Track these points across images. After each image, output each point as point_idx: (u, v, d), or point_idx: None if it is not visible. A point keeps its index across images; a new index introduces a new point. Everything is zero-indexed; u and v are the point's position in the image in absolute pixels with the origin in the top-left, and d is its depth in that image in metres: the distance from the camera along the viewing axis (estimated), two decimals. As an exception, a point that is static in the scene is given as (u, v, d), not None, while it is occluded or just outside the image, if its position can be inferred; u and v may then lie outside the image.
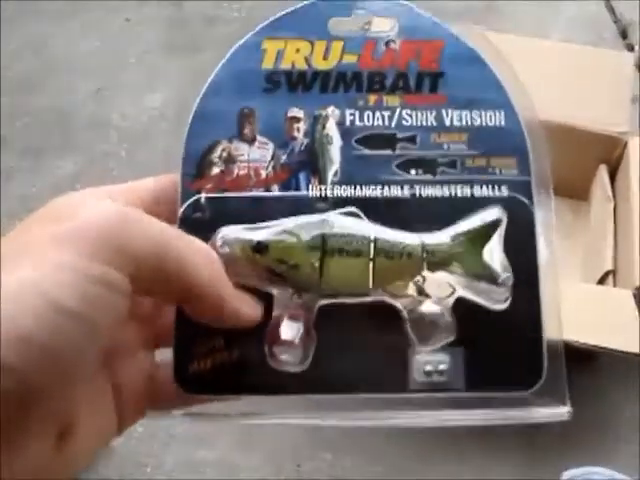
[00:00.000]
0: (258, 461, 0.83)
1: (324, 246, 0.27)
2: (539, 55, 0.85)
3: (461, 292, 0.27)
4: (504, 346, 0.27)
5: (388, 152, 0.29)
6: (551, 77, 0.84)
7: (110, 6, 1.25)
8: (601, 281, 0.80)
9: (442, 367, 0.26)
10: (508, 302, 0.27)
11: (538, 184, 0.28)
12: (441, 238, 0.27)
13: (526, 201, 0.28)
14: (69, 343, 0.20)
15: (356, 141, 0.29)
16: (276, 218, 0.28)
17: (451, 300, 0.27)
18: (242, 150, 0.29)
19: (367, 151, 0.29)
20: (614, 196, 0.84)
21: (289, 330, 0.26)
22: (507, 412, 0.26)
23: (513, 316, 0.27)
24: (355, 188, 0.28)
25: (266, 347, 0.27)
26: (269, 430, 0.84)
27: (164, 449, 0.84)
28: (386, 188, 0.28)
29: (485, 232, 0.27)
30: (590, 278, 0.83)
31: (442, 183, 0.28)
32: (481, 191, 0.28)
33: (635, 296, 0.70)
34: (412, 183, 0.28)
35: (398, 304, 0.27)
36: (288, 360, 0.26)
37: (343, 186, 0.28)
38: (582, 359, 0.83)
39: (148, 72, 1.18)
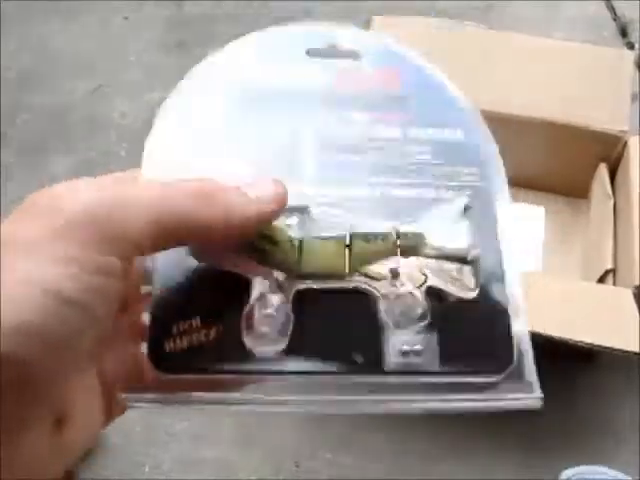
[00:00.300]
0: (257, 460, 0.83)
1: (303, 226, 0.28)
2: (539, 53, 0.85)
3: (433, 280, 0.28)
4: (474, 332, 0.27)
5: (358, 159, 0.30)
6: (551, 75, 0.84)
7: (109, 5, 1.25)
8: (601, 280, 0.80)
9: (418, 347, 0.27)
10: (477, 290, 0.28)
11: (497, 189, 0.30)
12: (413, 225, 0.29)
13: (489, 199, 0.30)
14: (69, 331, 0.20)
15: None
16: None
17: (424, 286, 0.28)
18: None
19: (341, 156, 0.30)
20: (614, 195, 0.84)
21: (266, 315, 0.27)
22: (478, 398, 0.26)
23: (481, 304, 0.28)
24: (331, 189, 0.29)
25: (243, 330, 0.26)
26: (268, 428, 0.84)
27: (162, 448, 0.84)
28: (358, 188, 0.30)
29: (454, 214, 0.29)
30: (590, 276, 0.83)
31: (410, 186, 0.30)
32: (446, 193, 0.30)
33: (635, 295, 0.70)
34: (383, 185, 0.30)
35: (373, 288, 0.28)
36: (264, 344, 0.26)
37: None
38: (581, 358, 0.83)
39: (147, 71, 1.18)
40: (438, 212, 0.29)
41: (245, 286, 0.27)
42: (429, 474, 0.81)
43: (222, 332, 0.26)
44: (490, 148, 0.31)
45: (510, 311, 0.27)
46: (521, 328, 0.27)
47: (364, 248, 0.28)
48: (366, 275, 0.28)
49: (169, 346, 0.26)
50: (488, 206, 0.30)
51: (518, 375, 0.27)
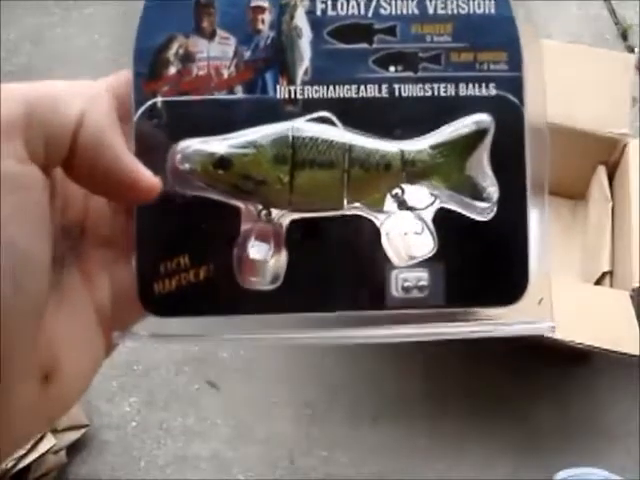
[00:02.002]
0: (252, 457, 0.83)
1: (293, 158, 0.24)
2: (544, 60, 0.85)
3: (442, 203, 0.25)
4: (487, 259, 0.25)
5: (364, 46, 0.25)
6: (551, 77, 0.84)
7: (110, -1, 1.25)
8: (598, 282, 0.80)
9: (422, 283, 0.25)
10: (492, 214, 0.25)
11: (529, 79, 0.26)
12: (421, 146, 0.25)
13: (516, 101, 0.25)
14: (8, 278, 0.19)
15: (328, 33, 0.26)
16: (241, 124, 0.25)
17: (431, 211, 0.25)
18: (201, 46, 0.26)
19: (341, 45, 0.25)
20: (612, 197, 0.84)
21: (258, 249, 0.25)
22: (488, 326, 0.25)
23: (497, 228, 0.25)
24: (328, 88, 0.25)
25: (235, 265, 0.25)
26: (264, 425, 0.84)
27: (158, 444, 0.84)
28: (362, 88, 0.25)
29: (470, 142, 0.25)
30: (587, 278, 0.84)
31: (424, 81, 0.25)
32: (467, 90, 0.25)
33: (632, 297, 0.71)
34: (391, 81, 0.25)
35: (374, 218, 0.25)
36: (258, 280, 0.25)
37: (315, 86, 0.25)
38: (578, 360, 0.83)
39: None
40: (446, 130, 0.25)
41: (234, 215, 0.25)
42: (425, 473, 0.81)
43: (213, 270, 0.25)
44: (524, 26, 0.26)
45: (529, 236, 0.25)
46: (540, 251, 0.25)
47: (364, 178, 0.25)
48: (367, 205, 0.25)
49: (158, 287, 0.25)
50: (513, 112, 0.25)
51: (532, 303, 0.25)
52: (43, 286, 0.21)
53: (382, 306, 0.25)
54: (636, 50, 1.11)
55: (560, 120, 0.81)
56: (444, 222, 0.25)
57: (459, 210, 0.25)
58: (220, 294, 0.25)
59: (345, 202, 0.25)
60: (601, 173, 0.86)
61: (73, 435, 0.80)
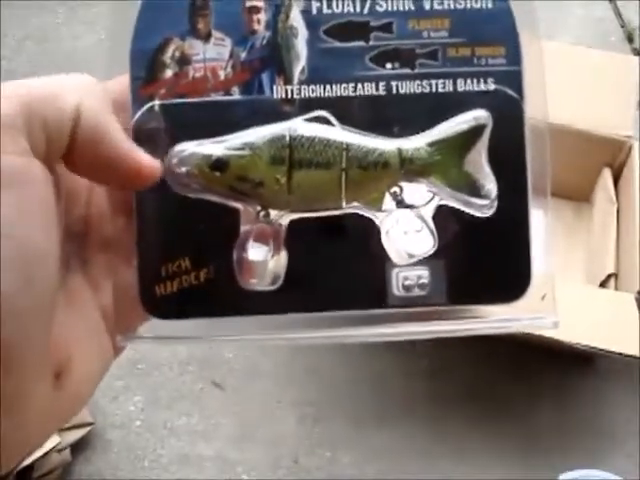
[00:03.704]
0: (255, 456, 0.83)
1: (291, 158, 0.24)
2: (545, 57, 0.85)
3: (442, 200, 0.25)
4: (488, 256, 0.25)
5: (360, 44, 0.25)
6: (557, 79, 0.84)
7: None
8: (603, 284, 0.80)
9: (423, 281, 0.25)
10: (492, 210, 0.25)
11: (529, 73, 0.26)
12: (419, 144, 0.25)
13: (515, 96, 0.25)
14: (17, 278, 0.19)
15: (324, 32, 0.26)
16: (239, 125, 0.25)
17: (431, 208, 0.25)
18: (196, 48, 0.26)
19: (337, 43, 0.25)
20: (617, 200, 0.84)
21: (257, 251, 0.25)
22: (491, 323, 0.25)
23: (498, 225, 0.25)
24: (325, 87, 0.25)
25: (235, 267, 0.25)
26: (267, 425, 0.84)
27: (161, 443, 0.84)
28: (359, 86, 0.25)
29: (468, 138, 0.25)
30: (592, 281, 0.83)
31: (421, 77, 0.25)
32: (465, 85, 0.25)
33: (637, 299, 0.70)
34: (388, 79, 0.25)
35: (374, 216, 0.25)
36: (258, 282, 0.25)
37: (311, 85, 0.25)
38: (581, 362, 0.83)
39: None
40: (448, 129, 0.25)
41: (233, 217, 0.25)
42: (428, 473, 0.81)
43: (213, 272, 0.25)
44: (523, 18, 0.26)
45: (530, 230, 0.25)
46: (542, 246, 0.25)
47: (362, 177, 0.25)
48: (365, 204, 0.25)
49: (159, 290, 0.25)
50: (512, 107, 0.25)
51: (535, 297, 0.24)
52: (54, 282, 0.21)
53: (383, 305, 0.25)
54: (642, 52, 1.11)
55: (565, 122, 0.81)
56: (444, 219, 0.25)
57: (459, 207, 0.25)
58: (221, 296, 0.25)
59: (344, 202, 0.25)
60: (606, 175, 0.86)
61: (77, 434, 0.80)
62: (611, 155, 0.85)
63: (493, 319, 0.25)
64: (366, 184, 0.25)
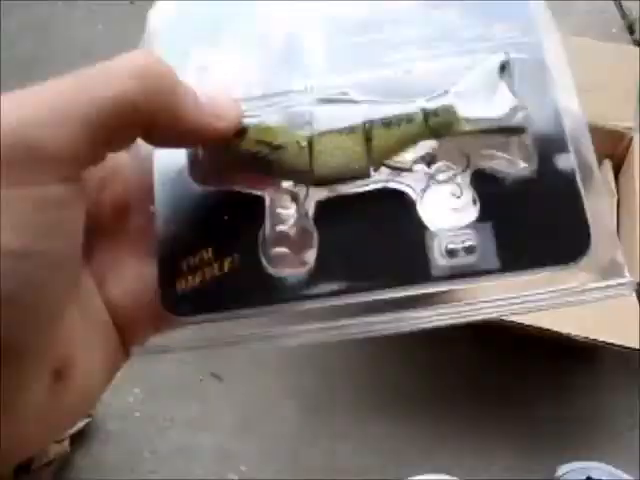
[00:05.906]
0: (255, 447, 0.83)
1: (311, 126, 0.24)
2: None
3: (478, 161, 0.23)
4: (538, 216, 0.23)
5: (376, 36, 0.26)
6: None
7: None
8: (603, 276, 0.80)
9: (469, 243, 0.22)
10: (535, 164, 0.23)
11: (546, 42, 0.25)
12: (442, 100, 0.24)
13: (540, 56, 0.25)
14: (36, 287, 0.19)
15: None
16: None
17: (468, 172, 0.23)
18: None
19: (355, 38, 0.26)
20: (617, 191, 0.84)
21: (284, 235, 0.23)
22: (556, 293, 0.22)
23: (543, 180, 0.23)
24: (343, 76, 0.25)
25: (261, 255, 0.23)
26: (267, 416, 0.84)
27: (161, 434, 0.84)
28: (377, 70, 0.25)
29: (490, 76, 0.24)
30: (592, 272, 0.83)
31: (439, 57, 0.25)
32: (482, 57, 0.24)
33: (637, 291, 0.70)
34: (406, 62, 0.25)
35: (406, 185, 0.23)
36: (287, 267, 0.23)
37: (331, 75, 0.25)
38: (581, 356, 0.83)
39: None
40: (469, 78, 0.24)
41: (257, 204, 0.24)
42: (426, 465, 0.81)
43: (238, 261, 0.23)
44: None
45: (580, 182, 0.22)
46: (597, 200, 0.22)
47: (386, 135, 0.23)
48: (394, 168, 0.23)
49: (181, 286, 0.23)
50: (535, 57, 0.24)
51: (599, 259, 0.22)
52: (66, 292, 0.20)
53: (427, 277, 0.22)
54: (643, 44, 1.10)
55: (565, 113, 0.81)
56: (483, 180, 0.23)
57: (497, 167, 0.23)
58: (248, 284, 0.23)
59: (371, 167, 0.23)
60: (606, 167, 0.86)
61: (77, 425, 0.80)
62: (611, 147, 0.84)
63: (559, 289, 0.22)
64: (392, 142, 0.23)
